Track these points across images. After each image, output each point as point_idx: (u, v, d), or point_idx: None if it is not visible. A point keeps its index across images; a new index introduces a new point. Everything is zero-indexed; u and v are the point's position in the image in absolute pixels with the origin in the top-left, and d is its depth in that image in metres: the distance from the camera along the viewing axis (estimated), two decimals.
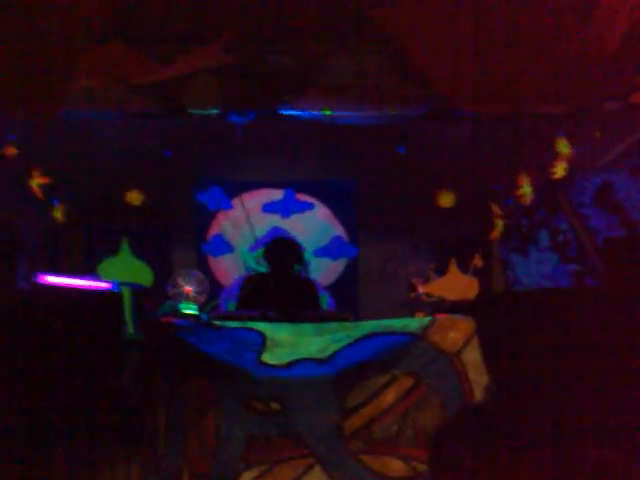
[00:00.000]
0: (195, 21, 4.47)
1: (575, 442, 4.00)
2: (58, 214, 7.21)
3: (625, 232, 6.08)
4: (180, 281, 4.55)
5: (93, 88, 5.24)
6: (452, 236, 7.67)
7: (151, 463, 3.93)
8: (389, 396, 4.02)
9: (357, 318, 5.59)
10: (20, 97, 4.42)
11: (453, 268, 7.75)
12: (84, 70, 4.63)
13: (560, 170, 6.05)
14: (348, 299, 7.47)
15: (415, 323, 4.21)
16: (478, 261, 7.59)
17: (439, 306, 4.61)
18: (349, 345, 4.09)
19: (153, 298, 6.42)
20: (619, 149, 6.09)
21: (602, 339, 4.11)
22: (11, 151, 6.18)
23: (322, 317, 4.31)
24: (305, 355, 4.05)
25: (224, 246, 7.64)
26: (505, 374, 4.32)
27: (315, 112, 5.78)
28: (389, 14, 4.31)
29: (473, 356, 4.15)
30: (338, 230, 7.68)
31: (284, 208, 7.58)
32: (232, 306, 7.46)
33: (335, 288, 7.51)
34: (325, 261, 7.53)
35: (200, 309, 4.45)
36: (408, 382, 4.04)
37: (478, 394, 4.08)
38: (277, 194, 7.60)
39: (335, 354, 4.06)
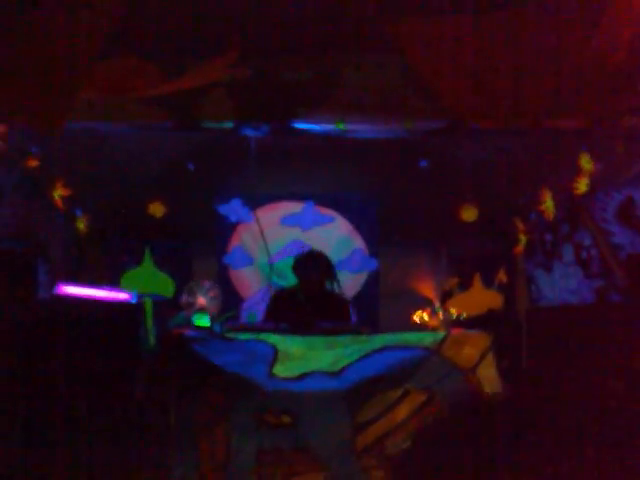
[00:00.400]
0: (207, 33, 4.47)
1: (601, 460, 3.93)
2: (81, 225, 7.27)
3: None
4: (193, 292, 4.53)
5: (105, 102, 5.27)
6: (475, 251, 7.59)
7: (162, 475, 3.92)
8: (402, 411, 3.98)
9: (377, 332, 5.52)
10: (25, 110, 4.46)
11: (477, 283, 7.68)
12: (92, 84, 4.65)
13: (582, 186, 5.97)
14: (369, 313, 7.41)
15: (429, 337, 4.16)
16: (502, 276, 7.52)
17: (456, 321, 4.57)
18: (361, 359, 4.05)
19: (175, 309, 6.44)
20: None
21: (626, 355, 4.04)
22: (33, 163, 6.24)
23: (335, 330, 4.26)
24: (316, 368, 4.02)
25: (244, 258, 7.63)
26: (528, 391, 4.26)
27: (329, 126, 5.74)
28: (399, 29, 4.28)
29: (489, 372, 4.09)
30: (358, 243, 7.63)
31: (304, 221, 7.55)
32: (252, 318, 7.47)
33: (356, 302, 7.44)
34: (345, 274, 7.46)
35: (213, 320, 4.43)
36: (421, 397, 3.99)
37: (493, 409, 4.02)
38: (297, 207, 7.58)
39: (346, 368, 4.02)
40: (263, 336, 4.13)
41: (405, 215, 7.27)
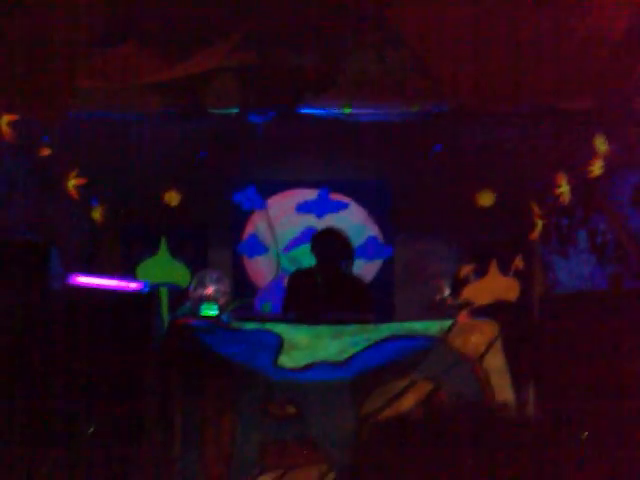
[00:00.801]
0: (209, 18, 4.42)
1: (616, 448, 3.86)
2: (97, 215, 7.29)
3: None
4: (200, 282, 4.52)
5: (109, 89, 5.25)
6: (491, 236, 7.49)
7: (166, 465, 3.93)
8: (407, 402, 3.94)
9: (393, 320, 5.46)
10: (26, 98, 4.46)
11: (494, 269, 7.57)
12: (93, 72, 4.63)
13: (597, 168, 5.86)
14: (384, 301, 7.36)
15: (436, 326, 4.13)
16: (519, 262, 7.41)
17: (464, 308, 4.50)
18: (368, 348, 4.02)
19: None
20: None
21: None
22: (45, 152, 6.26)
23: (341, 319, 4.23)
24: (322, 358, 4.01)
25: (259, 247, 7.60)
26: (542, 380, 4.20)
27: (336, 110, 5.67)
28: (399, 14, 4.21)
29: (496, 361, 4.05)
30: (373, 230, 7.56)
31: (318, 208, 7.50)
32: (266, 307, 7.46)
33: (371, 289, 7.41)
34: (360, 262, 7.42)
35: (224, 309, 4.41)
36: (427, 387, 3.96)
37: (501, 399, 3.97)
38: (312, 194, 7.53)
39: (352, 357, 4.00)
40: (269, 325, 4.12)
41: (420, 201, 7.20)
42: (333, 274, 4.86)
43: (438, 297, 4.45)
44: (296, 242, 7.44)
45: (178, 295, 7.17)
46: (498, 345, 4.04)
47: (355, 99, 5.57)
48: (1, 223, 6.06)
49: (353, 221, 7.52)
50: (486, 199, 7.26)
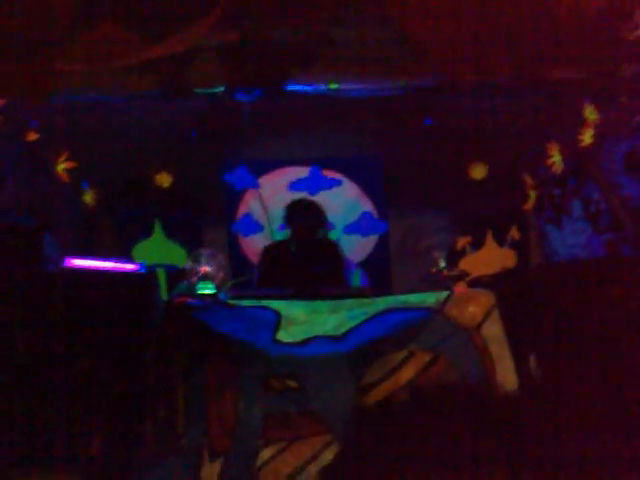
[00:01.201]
0: None
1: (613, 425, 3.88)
2: (88, 198, 7.26)
3: None
4: (196, 261, 4.52)
5: (90, 72, 5.19)
6: (486, 208, 7.49)
7: (171, 442, 3.95)
8: (407, 372, 3.96)
9: (390, 294, 5.47)
10: (8, 83, 4.42)
11: (490, 241, 7.60)
12: (73, 55, 4.58)
13: (587, 137, 5.86)
14: (381, 276, 7.38)
15: (432, 298, 4.14)
16: (515, 233, 7.43)
17: (460, 279, 4.51)
18: (365, 322, 4.03)
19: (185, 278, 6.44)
20: None
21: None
22: (33, 136, 6.21)
23: (338, 293, 4.24)
24: (320, 332, 4.02)
25: (253, 225, 7.59)
26: (540, 349, 4.21)
27: (322, 86, 5.63)
28: None
29: (494, 330, 4.06)
30: (367, 206, 7.55)
31: (311, 185, 7.47)
32: None
33: (367, 265, 7.41)
34: (355, 238, 7.42)
35: (217, 288, 4.41)
36: (426, 358, 3.97)
37: (500, 369, 3.99)
38: (303, 171, 7.51)
39: (351, 331, 4.01)
40: (266, 302, 4.13)
41: (413, 175, 7.19)
42: (308, 242, 4.93)
43: (434, 269, 4.48)
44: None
45: (175, 276, 7.19)
46: (495, 314, 4.05)
47: (341, 74, 5.51)
48: None
49: (347, 197, 7.51)
50: (479, 172, 7.27)
